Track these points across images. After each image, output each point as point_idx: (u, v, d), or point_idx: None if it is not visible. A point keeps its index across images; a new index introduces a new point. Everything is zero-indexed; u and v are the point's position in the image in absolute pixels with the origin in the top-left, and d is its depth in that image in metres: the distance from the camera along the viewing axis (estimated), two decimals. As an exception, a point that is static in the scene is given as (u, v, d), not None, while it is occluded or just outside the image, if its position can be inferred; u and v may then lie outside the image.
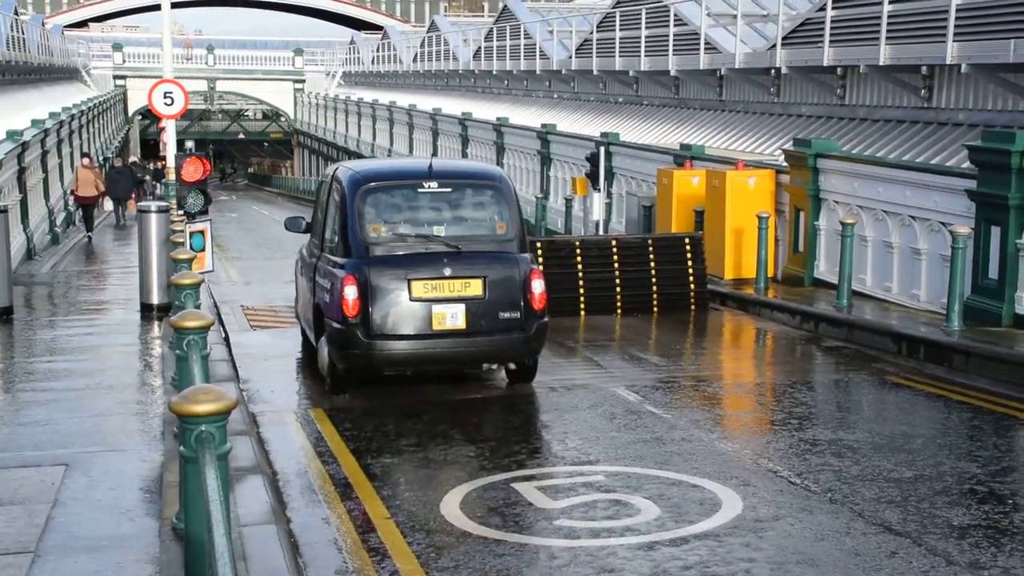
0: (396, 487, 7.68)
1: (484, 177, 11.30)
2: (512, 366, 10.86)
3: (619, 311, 14.88)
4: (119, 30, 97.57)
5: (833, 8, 20.24)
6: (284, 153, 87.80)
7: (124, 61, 71.85)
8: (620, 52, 30.55)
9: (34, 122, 25.75)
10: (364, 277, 10.08)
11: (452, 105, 41.50)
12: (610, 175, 22.44)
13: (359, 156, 47.28)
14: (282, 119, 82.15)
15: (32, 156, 22.79)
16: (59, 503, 6.69)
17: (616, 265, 15.06)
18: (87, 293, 16.80)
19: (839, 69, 20.66)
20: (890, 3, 18.43)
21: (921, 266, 13.74)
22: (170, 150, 18.20)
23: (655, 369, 11.60)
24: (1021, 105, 16.70)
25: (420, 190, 10.72)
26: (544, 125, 29.04)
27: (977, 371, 10.98)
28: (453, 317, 10.14)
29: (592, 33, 32.98)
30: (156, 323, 13.17)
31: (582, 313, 14.75)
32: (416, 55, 56.59)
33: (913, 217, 13.87)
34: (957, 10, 16.80)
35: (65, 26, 75.11)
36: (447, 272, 10.17)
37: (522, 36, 38.98)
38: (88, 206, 25.68)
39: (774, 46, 22.37)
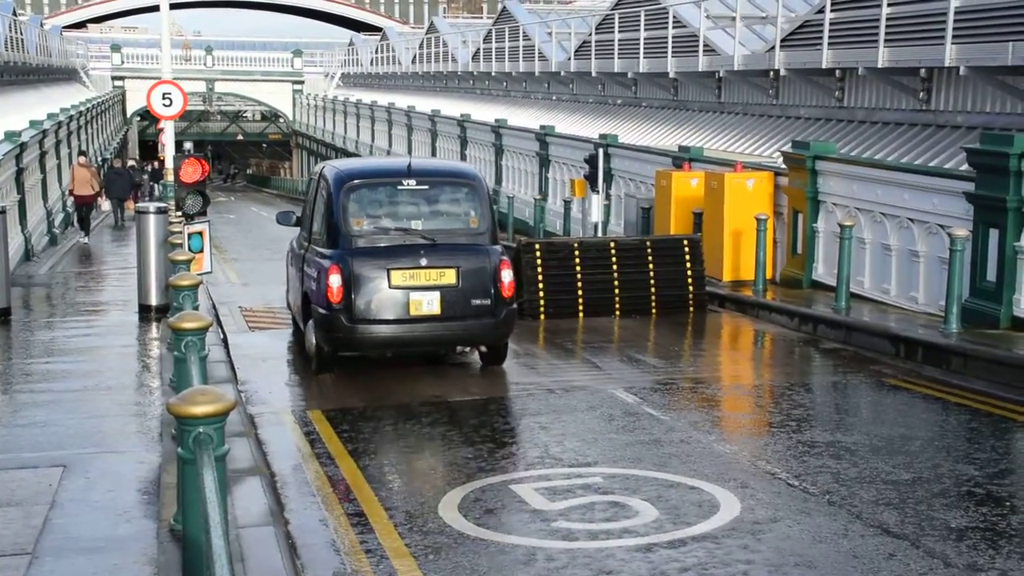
0: (394, 489, 7.67)
1: (459, 176, 12.24)
2: (484, 349, 11.76)
3: (618, 313, 14.88)
4: (118, 31, 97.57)
5: (832, 10, 20.25)
6: (283, 154, 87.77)
7: (123, 62, 71.88)
8: (619, 54, 30.56)
9: (32, 123, 25.73)
10: (347, 266, 11.00)
11: (451, 107, 41.51)
12: (609, 177, 22.44)
13: (356, 157, 47.28)
14: (281, 120, 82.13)
15: (30, 157, 22.77)
16: (57, 504, 6.68)
17: (615, 267, 15.06)
18: (85, 294, 16.78)
19: (838, 71, 20.66)
20: (889, 5, 18.44)
21: (919, 268, 13.74)
22: (168, 151, 18.18)
23: (653, 371, 11.61)
24: (1019, 107, 16.71)
25: (400, 187, 11.61)
26: (543, 127, 29.06)
27: (975, 373, 10.98)
28: (429, 303, 11.05)
29: (591, 35, 33.00)
30: (154, 324, 13.16)
31: (580, 315, 14.75)
32: (415, 56, 56.60)
33: (911, 219, 13.87)
34: (955, 12, 16.81)
35: (64, 27, 75.08)
36: (423, 262, 11.09)
37: (521, 38, 39.00)
38: (86, 206, 25.54)
39: (773, 48, 22.37)
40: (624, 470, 8.03)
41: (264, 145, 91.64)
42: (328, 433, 9.11)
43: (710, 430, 9.21)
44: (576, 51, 34.24)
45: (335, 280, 10.95)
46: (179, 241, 12.81)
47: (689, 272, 15.18)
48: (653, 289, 15.08)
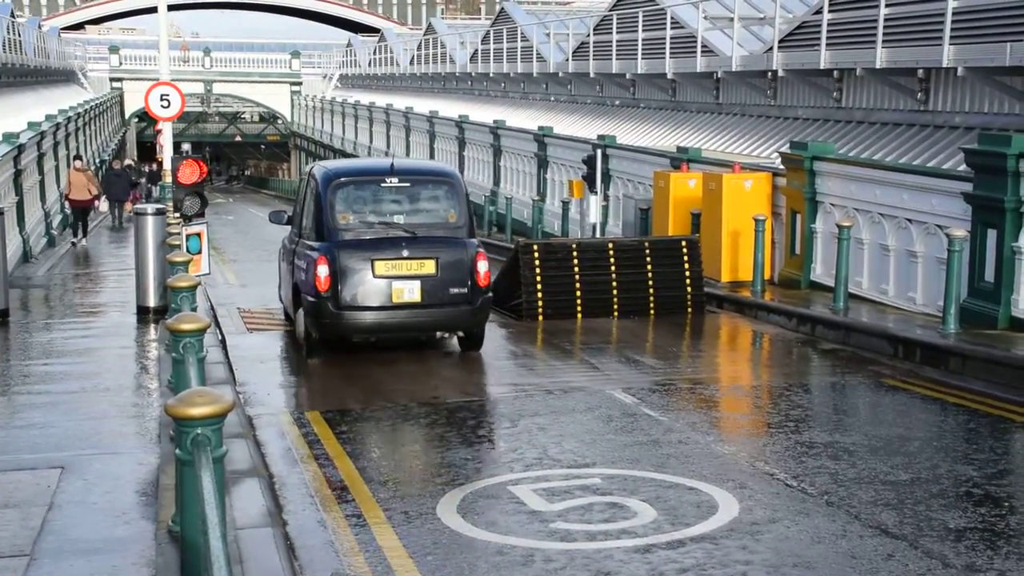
0: (392, 490, 7.67)
1: (439, 174, 13.25)
2: (461, 334, 12.63)
3: (616, 314, 14.87)
4: (116, 32, 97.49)
5: (830, 11, 20.26)
6: (281, 155, 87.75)
7: (121, 63, 71.83)
8: (617, 55, 30.57)
9: (30, 124, 25.72)
10: (334, 258, 11.84)
11: (449, 108, 41.51)
12: (607, 178, 22.45)
13: (355, 159, 47.27)
14: (279, 121, 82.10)
15: (28, 159, 22.76)
16: (55, 506, 6.68)
17: (613, 268, 15.06)
18: (83, 296, 16.78)
19: (836, 72, 20.68)
20: (886, 6, 18.46)
21: (917, 269, 13.75)
22: (167, 152, 18.15)
23: (652, 372, 11.61)
24: (1017, 108, 16.73)
25: (383, 184, 12.48)
26: (541, 128, 29.07)
27: (973, 374, 10.98)
28: (410, 292, 11.93)
29: (589, 36, 33.00)
30: (152, 326, 13.15)
31: (579, 316, 14.75)
32: (413, 58, 56.59)
33: (909, 220, 13.88)
34: (953, 13, 16.82)
35: (62, 28, 75.00)
36: (405, 254, 11.95)
37: (519, 39, 39.00)
38: (83, 210, 25.39)
39: (771, 49, 22.38)
40: (622, 471, 8.03)
41: (262, 146, 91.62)
42: (326, 434, 9.11)
43: (708, 431, 9.21)
44: (574, 52, 34.25)
45: (323, 270, 11.77)
46: (177, 242, 12.81)
47: (687, 273, 15.18)
48: (651, 290, 15.08)
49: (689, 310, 15.07)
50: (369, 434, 9.24)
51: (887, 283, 14.33)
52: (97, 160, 41.14)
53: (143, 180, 40.37)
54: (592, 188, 21.10)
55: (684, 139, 25.16)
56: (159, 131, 23.91)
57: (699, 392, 10.71)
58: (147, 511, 6.59)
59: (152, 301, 13.68)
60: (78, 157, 27.62)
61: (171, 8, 59.40)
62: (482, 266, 12.18)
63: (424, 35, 56.13)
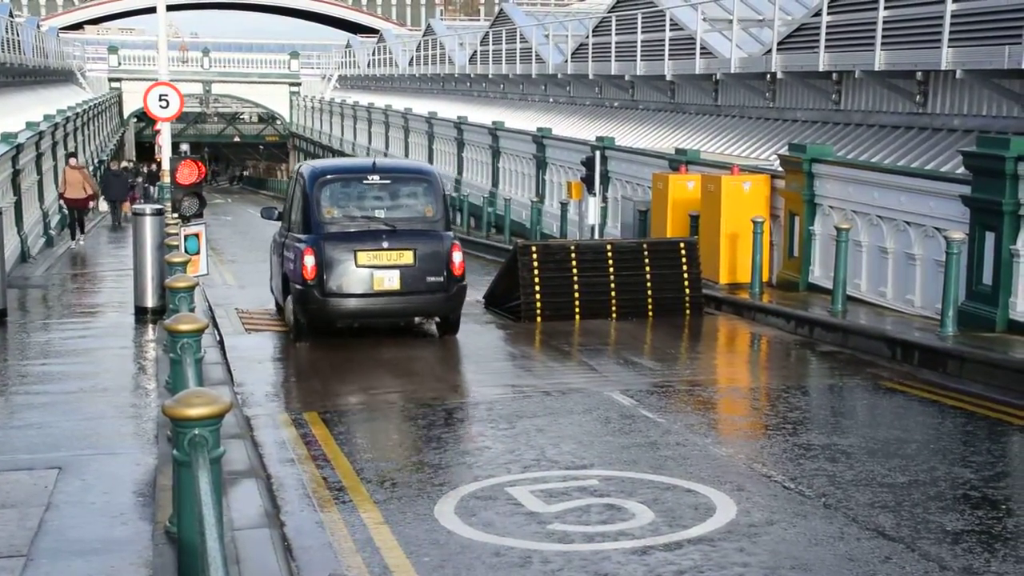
0: (390, 490, 7.67)
1: (417, 172, 14.33)
2: (437, 320, 13.51)
3: (614, 315, 14.87)
4: (115, 32, 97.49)
5: (828, 13, 20.27)
6: (280, 156, 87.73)
7: (120, 63, 71.79)
8: (616, 56, 30.58)
9: (29, 124, 25.69)
10: (320, 249, 12.80)
11: (448, 109, 41.52)
12: (606, 179, 22.45)
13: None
14: (278, 122, 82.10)
15: (27, 159, 22.74)
16: (52, 506, 6.67)
17: (611, 269, 15.06)
18: (81, 296, 16.78)
19: (834, 74, 20.68)
20: (885, 8, 18.47)
21: (916, 271, 13.76)
22: (165, 153, 18.14)
23: (650, 373, 11.61)
24: (1016, 111, 16.74)
25: (365, 182, 13.46)
26: (540, 129, 29.08)
27: (971, 376, 10.99)
28: (390, 280, 12.88)
29: (588, 37, 33.01)
30: (150, 326, 13.16)
31: (577, 317, 14.74)
32: (412, 59, 56.58)
33: (908, 222, 13.89)
34: (952, 16, 16.83)
35: (61, 28, 74.93)
36: (385, 245, 12.92)
37: (518, 40, 39.01)
38: (78, 209, 25.26)
39: (770, 51, 22.39)
40: (620, 473, 8.02)
41: (261, 147, 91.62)
42: (324, 435, 9.10)
43: (706, 433, 9.21)
44: (573, 53, 34.26)
45: (309, 260, 12.73)
46: (175, 243, 12.81)
47: (685, 275, 15.17)
48: (650, 292, 15.08)
49: (687, 312, 15.06)
50: (367, 435, 9.24)
51: (885, 285, 14.34)
52: (96, 160, 41.13)
53: (140, 179, 40.39)
54: (591, 190, 21.10)
55: (683, 141, 25.17)
56: (158, 131, 23.90)
57: (697, 394, 10.71)
58: (144, 512, 6.59)
59: (150, 301, 13.68)
60: (73, 155, 27.31)
61: (170, 8, 59.42)
62: (457, 257, 13.09)
63: (423, 36, 56.12)
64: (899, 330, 12.49)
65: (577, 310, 14.82)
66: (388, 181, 13.51)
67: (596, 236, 20.83)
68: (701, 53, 25.47)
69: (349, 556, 6.46)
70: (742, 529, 6.87)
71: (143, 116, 60.33)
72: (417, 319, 13.70)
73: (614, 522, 7.00)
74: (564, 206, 24.56)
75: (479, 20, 79.06)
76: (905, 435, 9.08)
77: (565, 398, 10.38)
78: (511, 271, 15.14)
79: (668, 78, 27.49)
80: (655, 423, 9.43)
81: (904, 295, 13.97)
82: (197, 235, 14.36)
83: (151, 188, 38.71)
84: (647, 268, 15.14)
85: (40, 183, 25.25)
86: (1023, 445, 9.07)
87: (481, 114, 38.69)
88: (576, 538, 6.73)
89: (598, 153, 21.49)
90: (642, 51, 28.79)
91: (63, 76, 58.40)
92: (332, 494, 7.59)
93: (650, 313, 14.99)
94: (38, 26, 54.92)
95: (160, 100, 17.55)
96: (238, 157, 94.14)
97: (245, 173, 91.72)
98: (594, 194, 21.03)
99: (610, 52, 30.85)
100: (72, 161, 25.94)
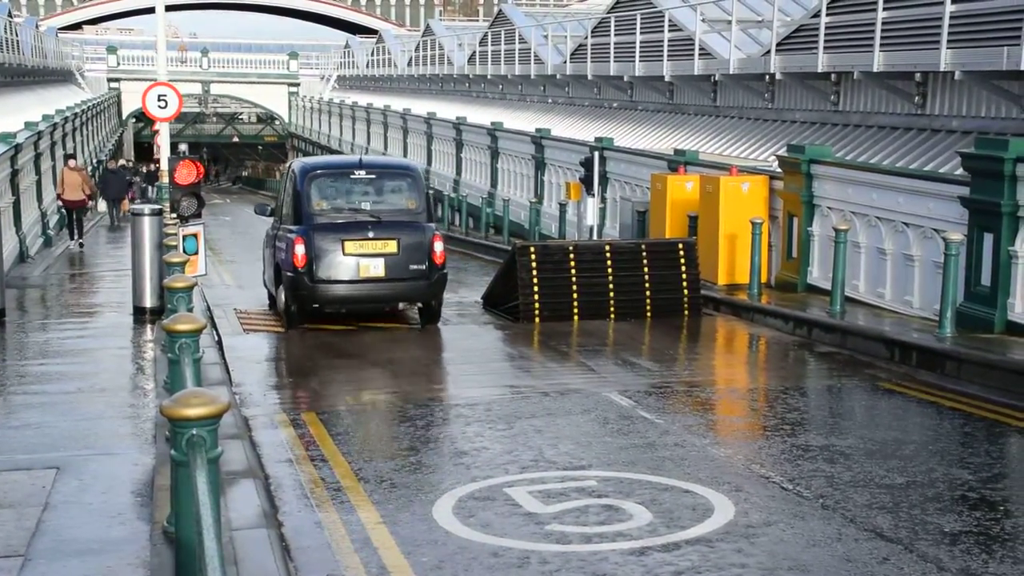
0: (388, 491, 7.66)
1: (401, 168, 15.60)
2: (420, 306, 14.31)
3: (612, 316, 14.88)
4: (113, 33, 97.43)
5: (827, 14, 20.29)
6: (278, 156, 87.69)
7: (118, 64, 71.79)
8: (615, 57, 30.59)
9: (27, 124, 25.67)
10: (310, 238, 13.66)
11: (447, 109, 41.52)
12: (604, 180, 22.45)
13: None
14: (276, 122, 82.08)
15: (25, 159, 22.74)
16: (50, 506, 6.67)
17: (610, 270, 15.06)
18: (80, 296, 16.77)
19: (833, 75, 20.69)
20: (884, 10, 18.48)
21: (914, 272, 13.76)
22: (164, 153, 18.13)
23: (648, 374, 11.61)
24: (1014, 112, 16.75)
25: (352, 176, 14.44)
26: (538, 130, 29.08)
27: (969, 377, 10.99)
28: (375, 267, 13.75)
29: (587, 38, 33.02)
30: (149, 326, 13.16)
31: (575, 318, 14.75)
32: (411, 59, 56.59)
33: (906, 223, 13.89)
34: (951, 17, 16.84)
35: (59, 28, 74.97)
36: (371, 235, 13.81)
37: (517, 41, 39.02)
38: (77, 210, 25.20)
39: (768, 52, 22.41)
40: (618, 473, 8.02)
41: (260, 147, 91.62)
42: (322, 435, 9.10)
43: (704, 433, 9.21)
44: (572, 54, 34.27)
45: (300, 249, 13.57)
46: (174, 243, 12.80)
47: (684, 276, 15.17)
48: (648, 292, 15.08)
49: (686, 313, 15.06)
50: (365, 435, 9.24)
51: (884, 287, 14.34)
52: (94, 160, 41.11)
53: (137, 179, 40.39)
54: (589, 190, 21.09)
55: (681, 142, 25.18)
56: (156, 131, 23.88)
57: (695, 395, 10.71)
58: (142, 512, 6.59)
59: (148, 302, 13.69)
60: (72, 156, 27.23)
61: (169, 8, 59.35)
62: (438, 247, 14.01)
63: (422, 36, 56.12)
64: (897, 331, 12.49)
65: (575, 311, 14.82)
66: (373, 176, 14.49)
67: (595, 237, 20.82)
68: (700, 54, 25.48)
69: (347, 556, 6.46)
70: (740, 530, 6.87)
71: (142, 116, 60.37)
72: (400, 305, 14.48)
73: (612, 523, 7.00)
74: (563, 207, 24.56)
75: (478, 21, 79.13)
76: (903, 436, 9.08)
77: (563, 399, 10.38)
78: (510, 272, 15.15)
79: (667, 79, 27.50)
80: (653, 424, 9.43)
81: (902, 296, 13.97)
82: (195, 235, 14.37)
83: (149, 188, 38.73)
84: (645, 269, 15.14)
85: (39, 183, 25.22)
86: (1021, 446, 9.07)
87: (480, 115, 38.70)
88: (574, 539, 6.73)
89: (597, 154, 21.49)
90: (641, 52, 28.80)
91: (62, 76, 58.38)
92: (330, 494, 7.58)
93: (648, 314, 14.99)
94: (37, 26, 54.93)
95: (159, 100, 17.54)
96: (237, 157, 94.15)
97: (244, 173, 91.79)
98: (593, 195, 21.03)
99: (609, 53, 30.86)
100: (71, 162, 25.85)
